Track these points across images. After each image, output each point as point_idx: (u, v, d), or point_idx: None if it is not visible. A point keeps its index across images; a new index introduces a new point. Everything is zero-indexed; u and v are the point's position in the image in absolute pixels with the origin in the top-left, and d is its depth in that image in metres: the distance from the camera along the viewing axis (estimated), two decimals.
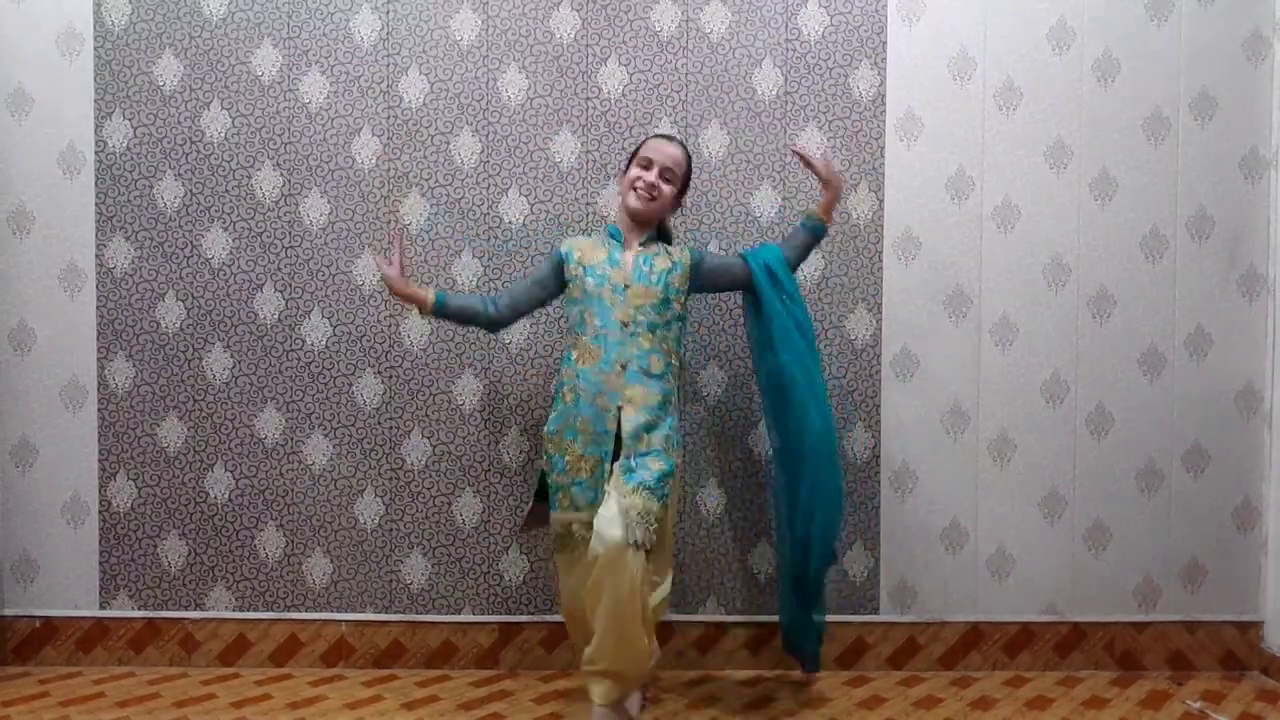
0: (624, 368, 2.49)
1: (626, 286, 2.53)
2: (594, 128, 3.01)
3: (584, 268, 2.57)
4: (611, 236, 2.61)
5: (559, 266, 2.63)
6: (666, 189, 2.58)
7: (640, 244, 2.60)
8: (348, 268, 3.02)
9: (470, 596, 3.04)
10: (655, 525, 2.38)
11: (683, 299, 2.60)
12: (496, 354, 3.03)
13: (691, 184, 3.01)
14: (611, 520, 2.37)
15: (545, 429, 2.57)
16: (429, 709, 2.74)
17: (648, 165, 2.58)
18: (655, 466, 2.44)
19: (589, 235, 2.73)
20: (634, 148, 2.69)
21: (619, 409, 2.48)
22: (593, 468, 2.49)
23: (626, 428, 2.47)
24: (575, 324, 2.58)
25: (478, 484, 3.03)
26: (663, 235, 2.70)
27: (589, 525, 2.46)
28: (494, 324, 2.65)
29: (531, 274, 2.69)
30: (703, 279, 2.66)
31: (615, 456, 2.49)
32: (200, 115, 2.99)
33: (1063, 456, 3.05)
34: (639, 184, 2.56)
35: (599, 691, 2.43)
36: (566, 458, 2.52)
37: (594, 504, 2.47)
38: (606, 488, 2.46)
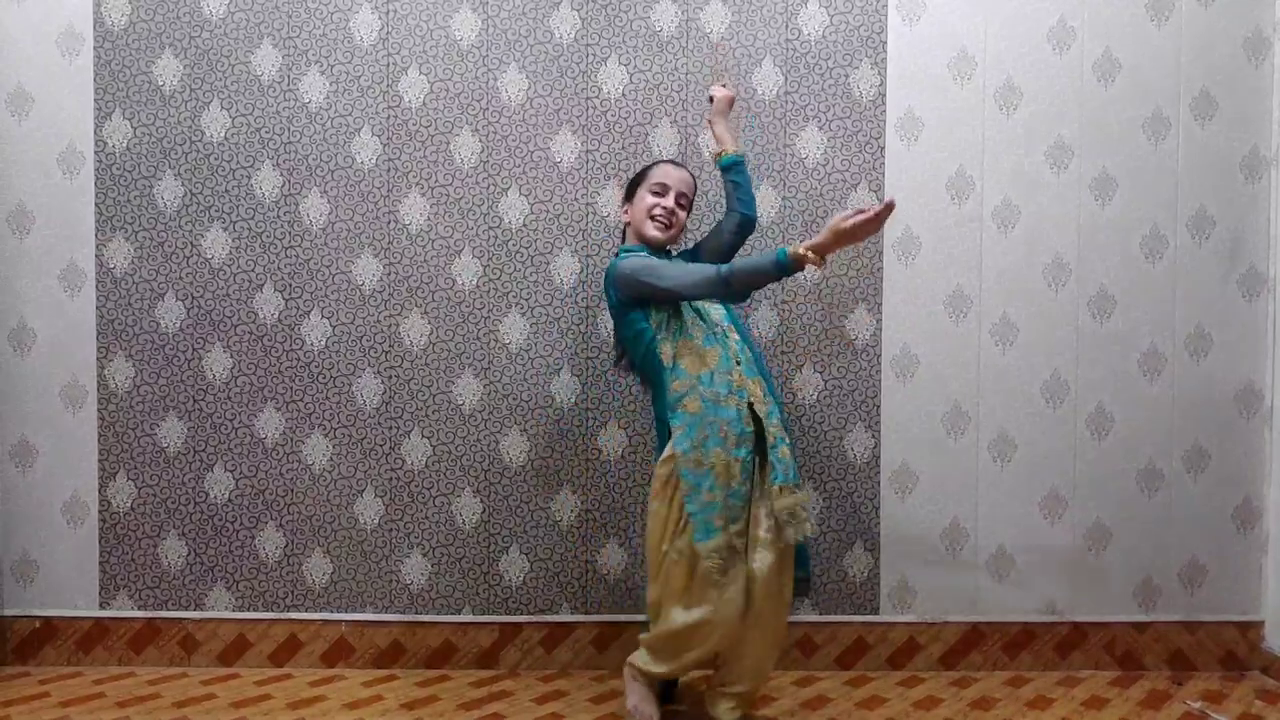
0: (738, 364, 2.49)
1: None
2: (594, 128, 3.01)
3: None
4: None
5: None
6: (682, 215, 2.61)
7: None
8: (348, 268, 3.02)
9: (470, 596, 3.04)
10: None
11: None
12: (496, 354, 3.03)
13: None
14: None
15: (680, 451, 2.41)
16: (429, 709, 2.74)
17: (662, 191, 2.58)
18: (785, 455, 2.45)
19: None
20: (637, 173, 2.69)
21: (750, 405, 2.45)
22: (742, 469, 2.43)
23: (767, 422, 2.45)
24: (674, 333, 2.48)
25: (478, 484, 3.03)
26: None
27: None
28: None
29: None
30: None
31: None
32: (200, 115, 2.99)
33: (1063, 456, 3.05)
34: (658, 211, 2.57)
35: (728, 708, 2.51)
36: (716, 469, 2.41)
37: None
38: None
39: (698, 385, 2.43)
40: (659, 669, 2.54)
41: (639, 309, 2.51)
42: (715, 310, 2.57)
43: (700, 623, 2.42)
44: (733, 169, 2.70)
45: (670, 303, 2.48)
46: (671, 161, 2.70)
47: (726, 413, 2.41)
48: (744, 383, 2.46)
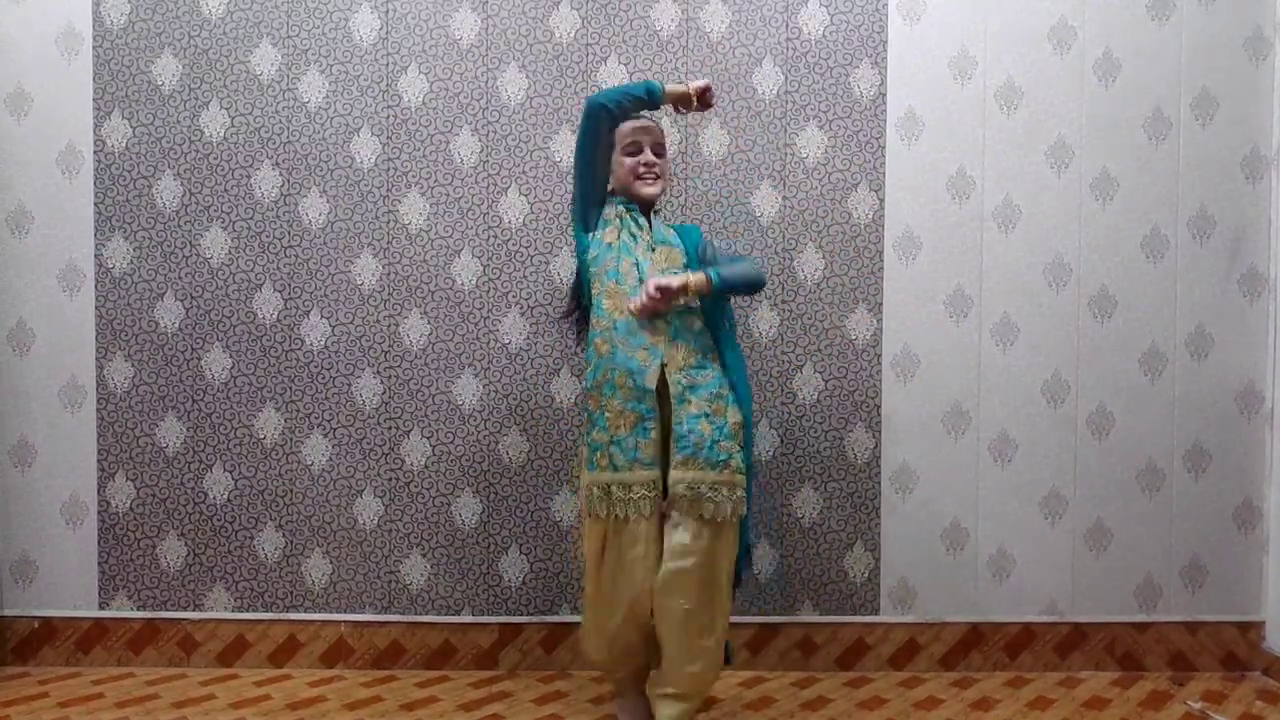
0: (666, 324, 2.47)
1: (652, 250, 2.53)
2: None
3: None
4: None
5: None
6: (663, 162, 2.59)
7: (652, 214, 2.62)
8: (347, 268, 3.01)
9: (470, 597, 3.03)
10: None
11: None
12: (496, 354, 3.02)
13: (692, 183, 3.02)
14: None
15: (585, 386, 2.51)
16: (429, 709, 2.74)
17: (637, 149, 2.56)
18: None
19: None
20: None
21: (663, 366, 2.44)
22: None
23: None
24: (607, 273, 2.52)
25: (478, 484, 3.03)
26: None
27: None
28: (607, 114, 2.51)
29: None
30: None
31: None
32: (199, 115, 2.99)
33: (1063, 456, 3.04)
34: (641, 170, 2.54)
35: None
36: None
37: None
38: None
39: (612, 329, 2.45)
40: (598, 659, 2.49)
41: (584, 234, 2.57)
42: (648, 265, 2.50)
43: (607, 594, 2.40)
44: (725, 290, 2.50)
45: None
46: (630, 121, 2.58)
47: (631, 364, 2.41)
48: (660, 343, 2.42)
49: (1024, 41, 3.01)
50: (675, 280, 2.37)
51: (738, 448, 2.41)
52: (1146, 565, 3.06)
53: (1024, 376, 3.04)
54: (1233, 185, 3.04)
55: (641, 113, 2.59)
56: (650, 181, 2.56)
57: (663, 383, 2.41)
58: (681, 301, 2.44)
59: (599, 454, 2.42)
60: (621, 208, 2.56)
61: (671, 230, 2.60)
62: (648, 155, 2.55)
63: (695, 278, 2.40)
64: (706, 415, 2.40)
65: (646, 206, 2.58)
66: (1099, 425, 3.04)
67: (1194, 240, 3.04)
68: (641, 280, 2.45)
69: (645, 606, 2.36)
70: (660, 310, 2.40)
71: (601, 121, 2.51)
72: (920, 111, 3.01)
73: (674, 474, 2.37)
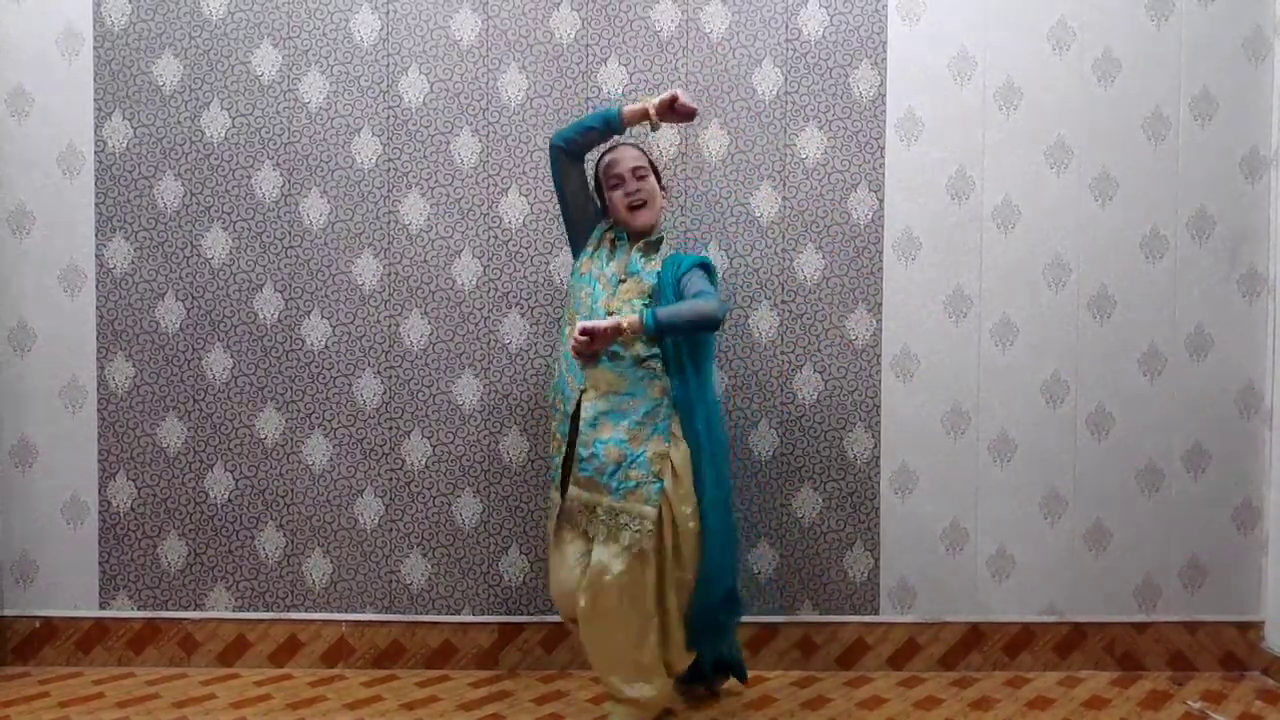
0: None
1: (621, 280, 2.57)
2: None
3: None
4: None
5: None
6: (648, 183, 2.60)
7: (644, 243, 2.64)
8: (348, 268, 3.02)
9: (470, 596, 3.04)
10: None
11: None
12: (496, 354, 3.03)
13: (691, 184, 3.02)
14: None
15: None
16: (429, 709, 2.74)
17: (620, 181, 2.59)
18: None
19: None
20: (595, 183, 2.71)
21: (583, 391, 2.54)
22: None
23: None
24: (571, 303, 2.63)
25: (478, 484, 3.03)
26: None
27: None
28: (566, 151, 2.60)
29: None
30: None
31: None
32: (200, 115, 2.99)
33: (1063, 456, 3.05)
34: (627, 201, 2.58)
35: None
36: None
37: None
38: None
39: (563, 354, 2.57)
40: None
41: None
42: (604, 299, 2.54)
43: (550, 570, 2.63)
44: (663, 330, 2.44)
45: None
46: (609, 149, 2.66)
47: (560, 387, 2.58)
48: (589, 369, 2.50)
49: (1023, 42, 3.01)
50: (603, 323, 2.36)
51: (652, 478, 2.45)
52: (1146, 565, 3.06)
53: (1023, 377, 3.04)
54: (1232, 185, 3.04)
55: (615, 138, 2.64)
56: (639, 210, 2.59)
57: None
58: (618, 341, 2.43)
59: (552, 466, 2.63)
60: (610, 234, 2.63)
61: (655, 261, 2.59)
62: (629, 185, 2.58)
63: (630, 319, 2.39)
64: (620, 441, 2.46)
65: (640, 234, 2.61)
66: (1098, 425, 3.05)
67: (1193, 240, 3.04)
68: (593, 310, 2.52)
69: (572, 604, 2.53)
70: (592, 351, 2.39)
71: (560, 160, 2.61)
72: (920, 112, 3.02)
73: (570, 489, 2.51)
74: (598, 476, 2.46)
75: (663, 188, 2.70)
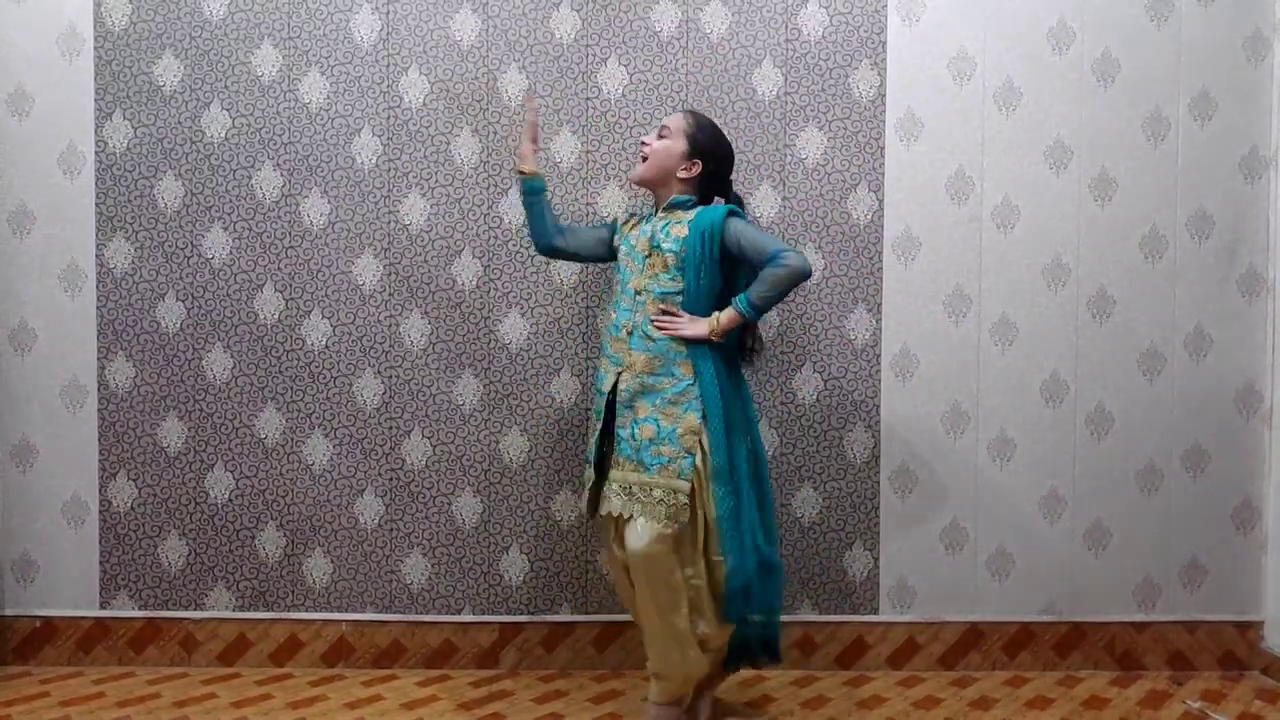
0: (629, 334, 2.55)
1: (647, 255, 2.57)
2: (594, 128, 3.01)
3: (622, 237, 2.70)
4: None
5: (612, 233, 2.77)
6: (658, 144, 2.57)
7: (664, 209, 2.62)
8: (348, 268, 3.02)
9: (470, 596, 3.04)
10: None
11: (704, 267, 2.51)
12: (496, 354, 3.03)
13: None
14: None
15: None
16: (429, 709, 2.75)
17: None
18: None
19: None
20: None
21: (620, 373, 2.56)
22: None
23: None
24: (615, 287, 2.70)
25: (478, 484, 3.04)
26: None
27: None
28: (549, 244, 2.74)
29: (595, 226, 2.85)
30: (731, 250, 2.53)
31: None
32: (200, 115, 3.00)
33: (1063, 456, 3.05)
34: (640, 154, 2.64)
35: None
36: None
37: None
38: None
39: (607, 326, 2.66)
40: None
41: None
42: (633, 279, 2.57)
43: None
44: (763, 312, 2.53)
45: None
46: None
47: (600, 372, 2.63)
48: (623, 351, 2.54)
49: (1023, 42, 3.01)
50: (689, 333, 2.48)
51: (684, 454, 2.46)
52: (1145, 565, 3.06)
53: (1023, 376, 3.04)
54: (1231, 185, 3.04)
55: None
56: (641, 163, 2.62)
57: None
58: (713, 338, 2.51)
59: (589, 448, 2.66)
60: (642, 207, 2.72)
61: (681, 226, 2.52)
62: (650, 137, 2.62)
63: (721, 324, 2.47)
64: (653, 419, 2.49)
65: (659, 202, 2.64)
66: (1098, 425, 3.05)
67: (1193, 240, 3.04)
68: (623, 292, 2.60)
69: (625, 585, 2.62)
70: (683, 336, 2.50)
71: (559, 248, 2.75)
72: (919, 112, 3.02)
73: (612, 472, 2.55)
74: (634, 455, 2.49)
75: (698, 159, 2.57)
